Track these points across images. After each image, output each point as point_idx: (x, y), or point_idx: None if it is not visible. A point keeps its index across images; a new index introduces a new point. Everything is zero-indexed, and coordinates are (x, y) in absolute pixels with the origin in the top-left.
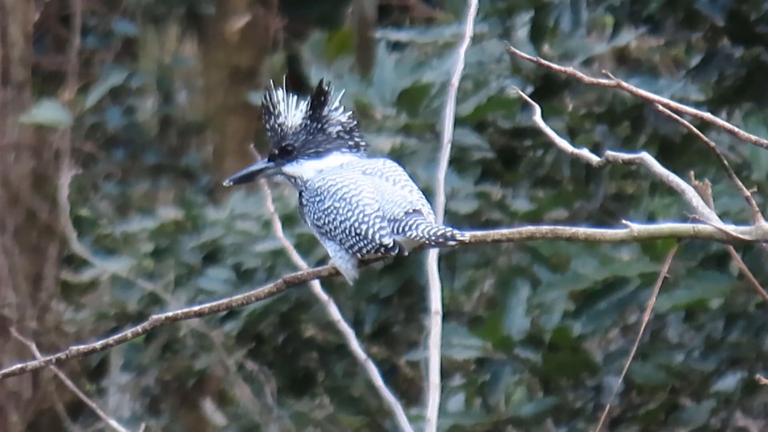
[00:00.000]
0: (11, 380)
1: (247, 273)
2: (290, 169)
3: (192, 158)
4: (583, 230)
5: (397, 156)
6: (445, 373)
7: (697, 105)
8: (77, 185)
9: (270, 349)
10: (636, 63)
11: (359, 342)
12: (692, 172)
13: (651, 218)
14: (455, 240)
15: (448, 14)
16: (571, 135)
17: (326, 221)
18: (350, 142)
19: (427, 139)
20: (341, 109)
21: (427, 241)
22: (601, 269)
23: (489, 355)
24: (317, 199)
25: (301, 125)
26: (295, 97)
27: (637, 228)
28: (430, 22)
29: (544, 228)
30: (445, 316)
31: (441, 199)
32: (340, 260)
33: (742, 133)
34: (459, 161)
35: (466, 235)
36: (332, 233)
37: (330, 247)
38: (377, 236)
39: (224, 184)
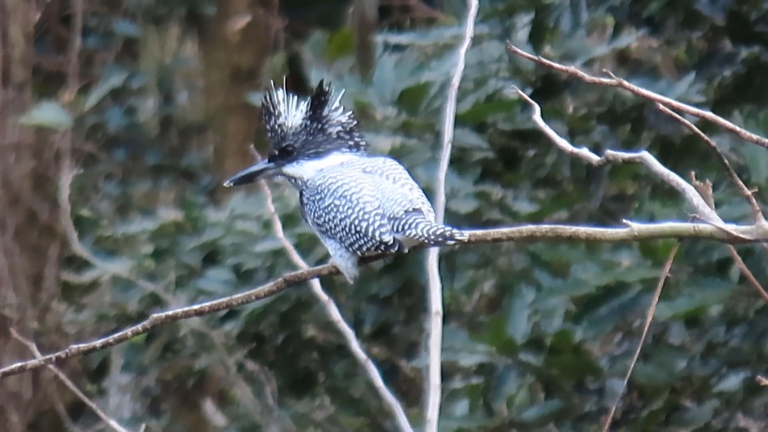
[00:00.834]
0: (12, 381)
1: (247, 274)
2: (291, 169)
3: (192, 159)
4: (583, 229)
5: (397, 156)
6: (446, 376)
7: (698, 106)
8: (78, 185)
9: (270, 350)
10: (636, 64)
11: (360, 342)
12: (693, 173)
13: (651, 220)
14: (454, 239)
15: (448, 16)
16: (571, 136)
17: (327, 219)
18: (350, 142)
19: (426, 139)
20: (341, 110)
21: (426, 240)
22: (601, 275)
23: (493, 360)
24: (317, 197)
25: (301, 126)
26: (296, 97)
27: (637, 227)
28: (431, 22)
29: (545, 227)
30: (446, 317)
31: (441, 199)
32: (341, 259)
33: (743, 132)
34: (459, 161)
35: (466, 235)
36: (332, 231)
37: (330, 246)
38: (377, 234)
39: (225, 184)
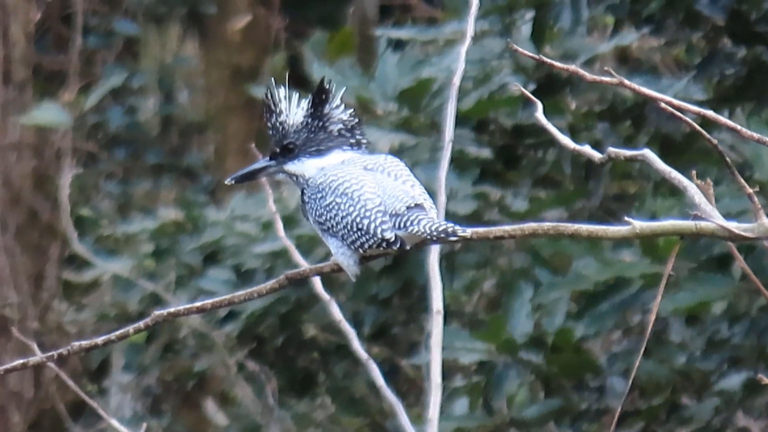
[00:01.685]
0: (13, 380)
1: (247, 274)
2: (292, 167)
3: (193, 158)
4: (585, 227)
5: (398, 154)
6: (447, 375)
7: (699, 104)
8: (78, 185)
9: (271, 350)
10: (637, 63)
11: (360, 342)
12: (694, 171)
13: (653, 217)
14: (457, 236)
15: (448, 14)
16: (573, 133)
17: (328, 217)
18: (352, 140)
19: (428, 136)
20: (342, 107)
21: (428, 236)
22: (602, 270)
23: (493, 358)
24: (319, 195)
25: (302, 123)
26: (297, 95)
27: (639, 225)
28: (432, 21)
29: (547, 225)
30: (446, 316)
31: (442, 198)
32: (342, 256)
33: (744, 130)
34: (458, 161)
35: (468, 231)
36: (334, 229)
37: (332, 244)
38: (379, 231)
39: (226, 182)
